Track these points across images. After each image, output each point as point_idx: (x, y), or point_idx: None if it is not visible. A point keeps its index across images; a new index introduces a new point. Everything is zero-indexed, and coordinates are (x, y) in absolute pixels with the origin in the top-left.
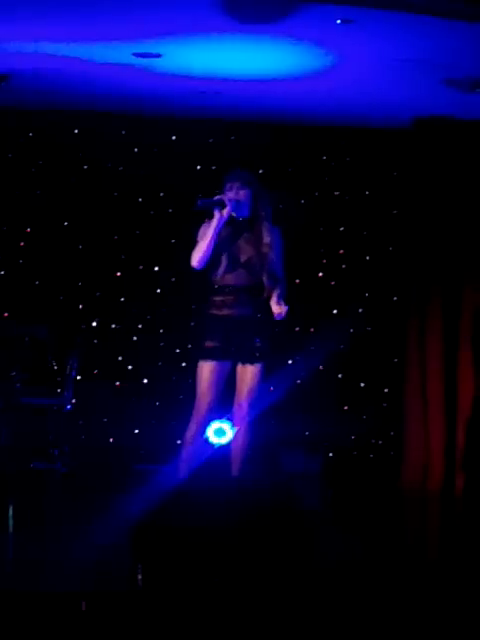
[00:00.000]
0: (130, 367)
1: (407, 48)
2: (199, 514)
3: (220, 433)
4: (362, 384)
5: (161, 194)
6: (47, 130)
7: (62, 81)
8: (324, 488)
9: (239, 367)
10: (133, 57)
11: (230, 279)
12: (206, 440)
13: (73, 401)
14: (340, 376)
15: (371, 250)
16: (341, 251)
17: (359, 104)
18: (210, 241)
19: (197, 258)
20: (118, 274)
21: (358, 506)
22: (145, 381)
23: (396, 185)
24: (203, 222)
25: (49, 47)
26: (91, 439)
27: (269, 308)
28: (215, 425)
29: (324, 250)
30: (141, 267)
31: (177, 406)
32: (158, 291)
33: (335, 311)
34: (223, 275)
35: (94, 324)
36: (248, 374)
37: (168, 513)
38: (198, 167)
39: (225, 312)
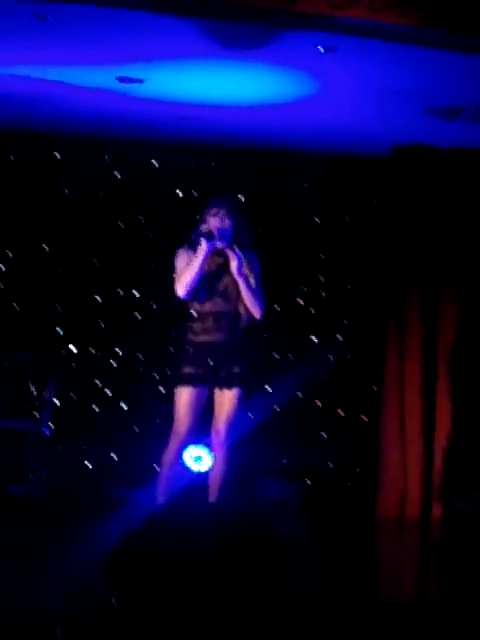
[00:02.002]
0: (108, 392)
1: (389, 77)
2: (175, 541)
3: (198, 460)
4: (341, 412)
5: (141, 219)
6: (28, 153)
7: (42, 104)
8: (301, 516)
9: (217, 392)
10: (116, 82)
11: (208, 306)
12: (184, 466)
13: (51, 426)
14: (319, 403)
15: (351, 278)
16: (321, 278)
17: (340, 131)
18: (197, 271)
19: (184, 288)
20: (97, 298)
21: (335, 534)
22: (124, 406)
23: (376, 213)
24: (180, 249)
25: (30, 70)
26: (69, 464)
27: (247, 336)
28: (193, 451)
29: (303, 277)
30: (121, 292)
31: (155, 431)
32: (137, 316)
33: (314, 338)
34: (202, 302)
35: (73, 349)
36: (226, 399)
37: (144, 539)
38: (179, 192)
39: (203, 339)
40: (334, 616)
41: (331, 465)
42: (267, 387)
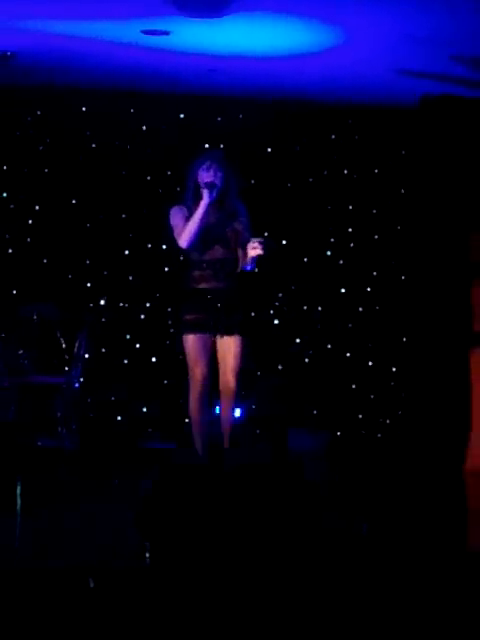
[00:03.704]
0: (138, 345)
1: (415, 25)
2: (206, 492)
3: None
4: (370, 363)
5: (168, 172)
6: (54, 108)
7: (69, 59)
8: (331, 467)
9: (219, 340)
10: (141, 35)
11: (206, 254)
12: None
13: (81, 379)
14: (348, 355)
15: (379, 229)
16: (349, 230)
17: (367, 82)
18: (199, 221)
19: (188, 239)
20: (126, 252)
21: (364, 485)
22: (153, 359)
23: (404, 164)
24: (173, 207)
25: (56, 25)
26: (99, 417)
27: (244, 282)
28: None
29: (332, 229)
30: (149, 246)
31: (185, 384)
32: (166, 269)
33: (343, 290)
34: (200, 251)
35: (102, 302)
36: (229, 346)
37: (174, 491)
38: (206, 145)
39: (203, 286)
40: (362, 565)
41: (360, 416)
42: (297, 339)
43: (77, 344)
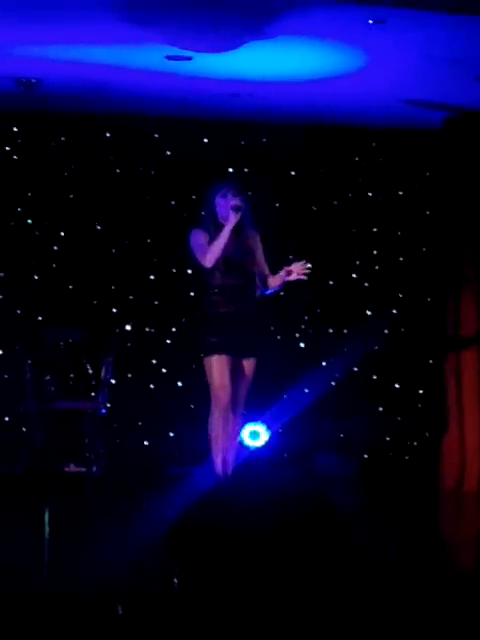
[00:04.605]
0: (164, 370)
1: (439, 47)
2: (234, 516)
3: (255, 436)
4: (397, 385)
5: (193, 197)
6: (78, 134)
7: (93, 85)
8: (359, 490)
9: (236, 362)
10: (165, 60)
11: (226, 279)
12: (240, 442)
13: (108, 404)
14: (375, 377)
15: (404, 251)
16: (374, 252)
17: (391, 105)
18: (225, 241)
19: (212, 258)
20: (151, 277)
21: (394, 507)
22: (179, 384)
23: (428, 185)
24: (193, 229)
25: (80, 52)
26: (126, 442)
27: (260, 305)
28: (250, 428)
29: (357, 251)
30: (174, 270)
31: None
32: (191, 294)
33: (369, 312)
34: (220, 276)
35: (128, 327)
36: (245, 368)
37: (203, 515)
38: (230, 169)
39: (222, 310)
40: (394, 588)
41: (388, 439)
42: (323, 362)
43: (103, 369)
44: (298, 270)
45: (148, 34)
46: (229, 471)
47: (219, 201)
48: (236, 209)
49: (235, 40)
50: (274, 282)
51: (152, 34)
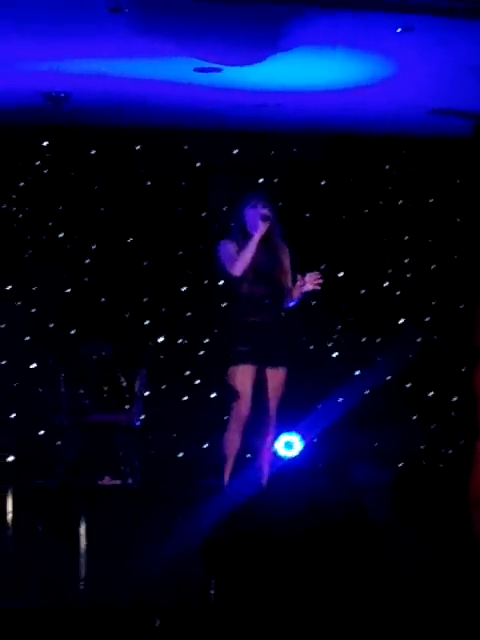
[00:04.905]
0: (197, 381)
1: (467, 54)
2: (269, 526)
3: (289, 446)
4: (430, 393)
5: (224, 208)
6: (108, 148)
7: (122, 99)
8: (395, 499)
9: (266, 371)
10: (194, 73)
11: (254, 289)
12: (275, 453)
13: (142, 417)
14: (408, 386)
15: (436, 258)
16: (406, 260)
17: (420, 112)
18: (253, 250)
19: (241, 267)
20: (183, 289)
21: (430, 516)
22: (213, 395)
23: (459, 193)
24: (222, 240)
25: (109, 66)
26: (160, 454)
27: (289, 315)
28: (284, 438)
29: (389, 260)
30: (206, 282)
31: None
32: (223, 305)
33: (401, 321)
34: (248, 286)
35: (160, 340)
36: (276, 378)
37: (238, 527)
38: (260, 180)
39: (251, 319)
40: (431, 599)
41: (422, 447)
42: (356, 372)
43: (137, 382)
44: (311, 281)
45: (173, 48)
46: (264, 481)
47: (249, 212)
48: (265, 219)
49: (261, 52)
50: (294, 294)
51: (177, 48)
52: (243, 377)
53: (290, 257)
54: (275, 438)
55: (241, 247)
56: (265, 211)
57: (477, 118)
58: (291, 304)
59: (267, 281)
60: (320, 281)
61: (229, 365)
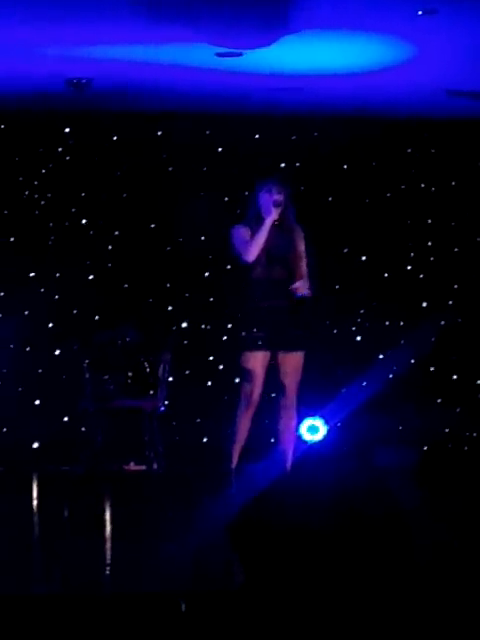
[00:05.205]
0: (221, 367)
1: None
2: (295, 511)
3: (313, 430)
4: (454, 376)
5: (246, 193)
6: (130, 133)
7: (144, 84)
8: (420, 482)
9: (282, 356)
10: (216, 57)
11: (269, 273)
12: (299, 437)
13: (166, 402)
14: (432, 369)
15: (459, 241)
16: (429, 244)
17: (441, 95)
18: (265, 235)
19: (254, 252)
20: (206, 274)
21: (454, 500)
22: (237, 380)
23: None
24: (235, 226)
25: (130, 51)
26: (185, 439)
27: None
28: (308, 422)
29: (412, 243)
30: (229, 267)
31: (270, 404)
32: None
33: (425, 304)
34: (262, 270)
35: (184, 325)
36: (292, 362)
37: (264, 511)
38: (282, 164)
39: (265, 304)
40: (455, 583)
41: (447, 430)
42: (380, 355)
43: (161, 367)
44: (299, 288)
45: (185, 32)
46: (288, 466)
47: (263, 196)
48: (277, 204)
49: (275, 33)
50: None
51: (187, 32)
52: (256, 362)
53: (305, 242)
54: (298, 422)
55: (254, 232)
56: (278, 197)
57: None
58: (299, 295)
59: (281, 265)
60: (307, 288)
61: (243, 350)
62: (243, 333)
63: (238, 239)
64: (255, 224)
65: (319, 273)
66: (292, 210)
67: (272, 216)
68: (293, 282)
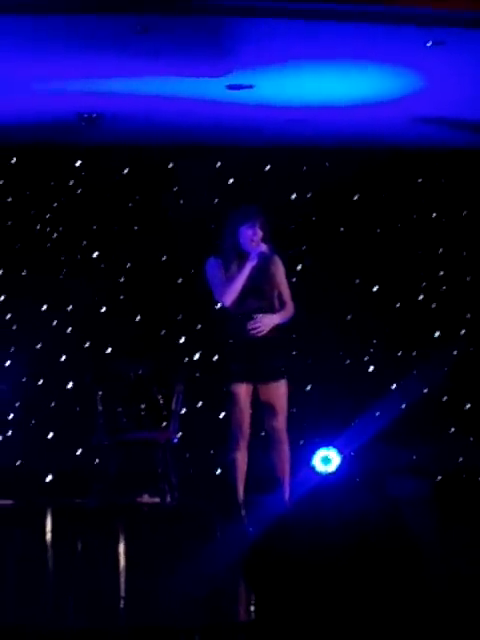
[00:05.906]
0: None
1: None
2: (310, 541)
3: (326, 461)
4: (467, 406)
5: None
6: (142, 166)
7: (155, 117)
8: (433, 512)
9: (262, 388)
10: (227, 90)
11: (243, 307)
12: (312, 468)
13: (179, 434)
14: (445, 399)
15: (470, 271)
16: (440, 273)
17: (451, 125)
18: (242, 282)
19: (232, 297)
20: (217, 306)
21: (469, 530)
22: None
23: None
24: (210, 258)
25: (141, 85)
26: (198, 471)
27: (282, 329)
28: (321, 453)
29: (423, 273)
30: None
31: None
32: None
33: (437, 334)
34: (239, 302)
35: (196, 357)
36: (274, 393)
37: (278, 542)
38: (293, 196)
39: (241, 337)
40: (472, 613)
41: (461, 460)
42: (393, 385)
43: (174, 399)
44: (255, 327)
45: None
46: (286, 497)
47: (244, 231)
48: (261, 256)
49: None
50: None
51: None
52: (240, 395)
53: (284, 269)
54: (289, 455)
55: (232, 266)
56: (261, 248)
57: None
58: (282, 321)
59: (256, 296)
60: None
61: (226, 384)
62: (224, 367)
63: (214, 278)
64: (234, 257)
65: (331, 304)
66: (268, 239)
67: (251, 262)
68: (269, 311)
